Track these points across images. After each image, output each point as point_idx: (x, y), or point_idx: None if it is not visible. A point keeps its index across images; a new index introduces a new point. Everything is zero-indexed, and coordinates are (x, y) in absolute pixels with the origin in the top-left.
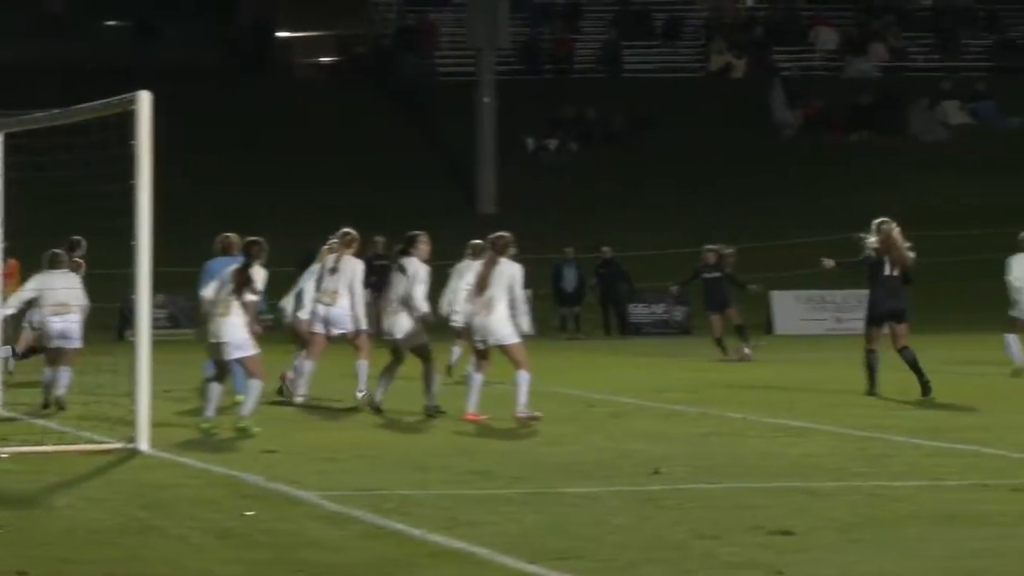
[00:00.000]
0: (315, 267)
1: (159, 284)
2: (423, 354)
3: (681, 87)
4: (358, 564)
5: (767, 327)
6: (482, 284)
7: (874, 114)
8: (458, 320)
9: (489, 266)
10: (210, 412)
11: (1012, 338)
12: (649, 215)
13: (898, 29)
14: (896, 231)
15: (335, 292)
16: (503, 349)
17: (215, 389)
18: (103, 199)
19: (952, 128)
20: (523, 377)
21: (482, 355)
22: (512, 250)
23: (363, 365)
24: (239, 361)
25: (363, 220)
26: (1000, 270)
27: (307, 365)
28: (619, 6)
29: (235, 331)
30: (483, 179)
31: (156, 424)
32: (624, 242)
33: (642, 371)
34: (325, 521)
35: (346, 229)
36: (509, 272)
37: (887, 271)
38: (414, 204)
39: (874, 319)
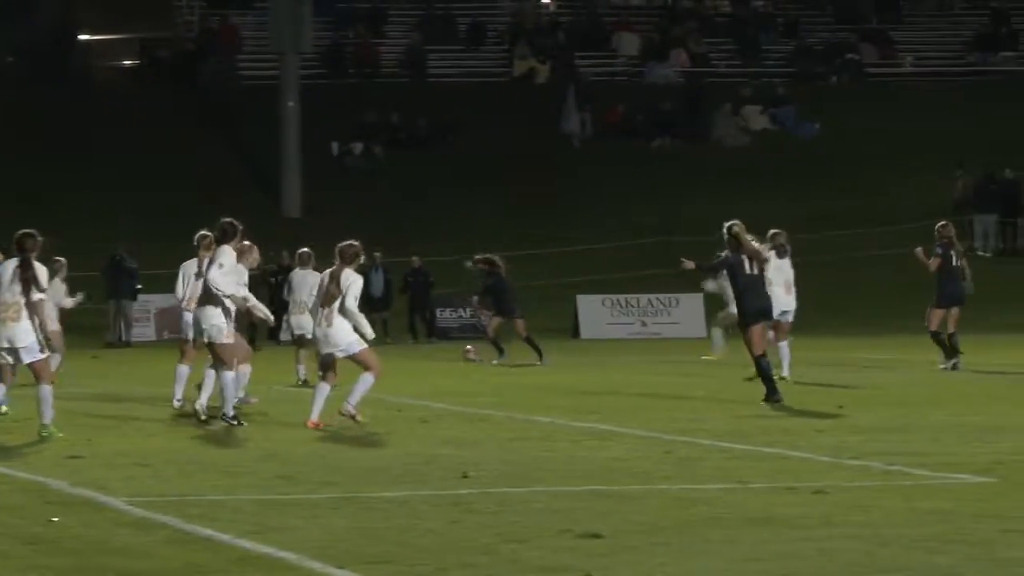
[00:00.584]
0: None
1: None
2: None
3: (485, 92)
4: (165, 570)
5: (573, 331)
6: (330, 295)
7: (676, 120)
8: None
9: (336, 276)
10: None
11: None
12: (452, 221)
13: (699, 35)
14: (741, 229)
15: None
16: (352, 357)
17: None
18: None
19: (753, 133)
20: (367, 379)
21: (329, 366)
22: (361, 259)
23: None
24: (30, 366)
25: (167, 224)
26: (804, 274)
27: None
28: (423, 10)
29: (26, 335)
30: (288, 183)
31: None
32: (431, 248)
33: (450, 376)
34: (132, 527)
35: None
36: (355, 282)
37: (748, 269)
38: (219, 208)
39: (748, 321)
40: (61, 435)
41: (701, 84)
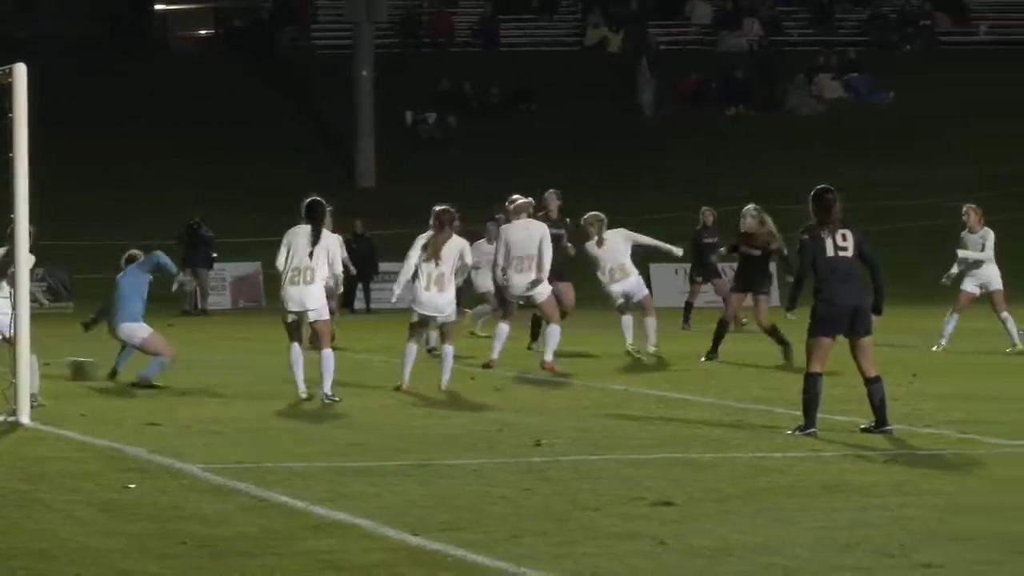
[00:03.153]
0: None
1: (40, 257)
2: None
3: (558, 61)
4: (240, 536)
5: None
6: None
7: (749, 88)
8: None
9: (439, 242)
10: None
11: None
12: (524, 189)
13: (772, 3)
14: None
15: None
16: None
17: None
18: None
19: (827, 102)
20: (447, 351)
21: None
22: (456, 223)
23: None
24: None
25: (242, 193)
26: (882, 242)
27: None
28: None
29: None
30: (362, 153)
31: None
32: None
33: (522, 342)
34: (207, 493)
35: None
36: (465, 248)
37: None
38: (293, 178)
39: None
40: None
41: (774, 52)
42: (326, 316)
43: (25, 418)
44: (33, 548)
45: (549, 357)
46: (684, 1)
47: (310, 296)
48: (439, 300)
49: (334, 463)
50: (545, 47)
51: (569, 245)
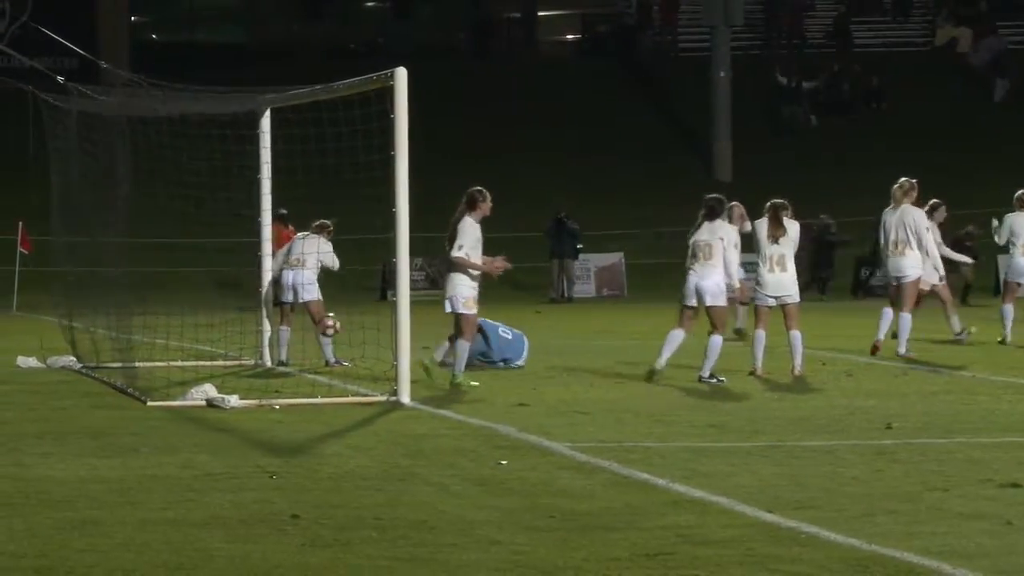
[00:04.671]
0: None
1: (416, 248)
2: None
3: (908, 60)
4: (605, 511)
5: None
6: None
7: None
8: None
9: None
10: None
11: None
12: (875, 181)
13: None
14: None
15: None
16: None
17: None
18: (363, 169)
19: None
20: (796, 337)
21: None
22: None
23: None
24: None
25: (605, 187)
26: None
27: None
28: None
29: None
30: (719, 149)
31: (416, 379)
32: (845, 210)
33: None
34: (574, 471)
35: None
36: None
37: None
38: (654, 173)
39: None
40: (475, 383)
41: None
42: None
43: (405, 398)
44: (413, 519)
45: (902, 349)
46: None
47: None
48: (784, 280)
49: (692, 443)
50: (895, 47)
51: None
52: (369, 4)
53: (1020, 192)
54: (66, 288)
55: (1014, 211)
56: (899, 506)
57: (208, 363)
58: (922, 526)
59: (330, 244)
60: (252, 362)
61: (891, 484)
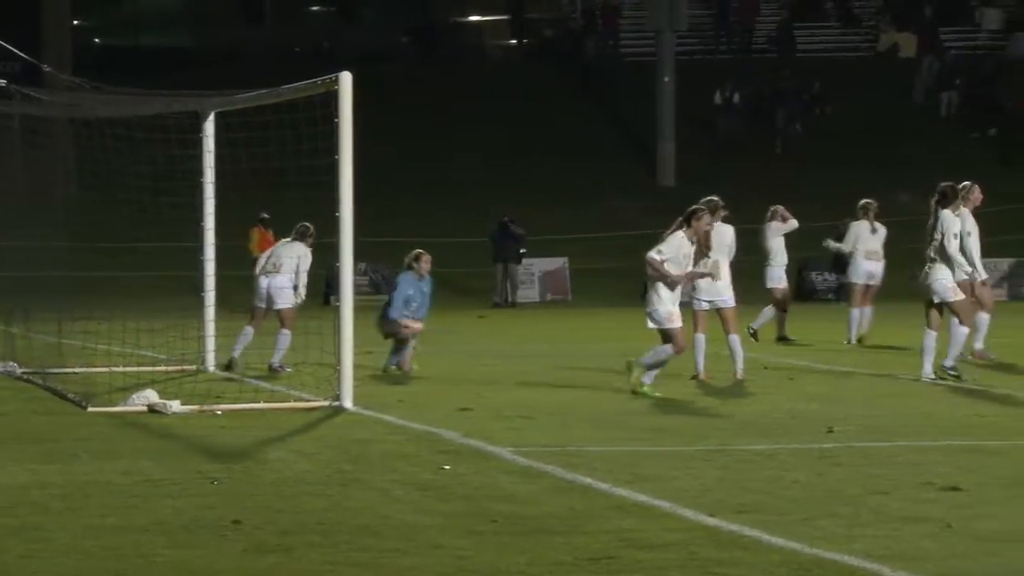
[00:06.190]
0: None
1: (361, 253)
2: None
3: (851, 66)
4: (547, 515)
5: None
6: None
7: None
8: None
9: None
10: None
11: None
12: (819, 187)
13: None
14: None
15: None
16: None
17: None
18: (308, 174)
19: None
20: (735, 341)
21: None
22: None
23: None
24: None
25: (550, 191)
26: None
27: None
28: None
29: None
30: (663, 154)
31: (359, 383)
32: (809, 211)
33: (816, 335)
34: (517, 475)
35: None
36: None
37: None
38: (599, 177)
39: None
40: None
41: None
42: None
43: (348, 403)
44: (355, 524)
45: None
46: (974, 7)
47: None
48: (719, 285)
49: (635, 447)
50: (839, 52)
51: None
52: (313, 8)
53: (863, 201)
54: (3, 292)
55: (857, 219)
56: (840, 509)
57: (150, 368)
58: (863, 529)
59: (310, 251)
60: (194, 368)
61: (832, 487)
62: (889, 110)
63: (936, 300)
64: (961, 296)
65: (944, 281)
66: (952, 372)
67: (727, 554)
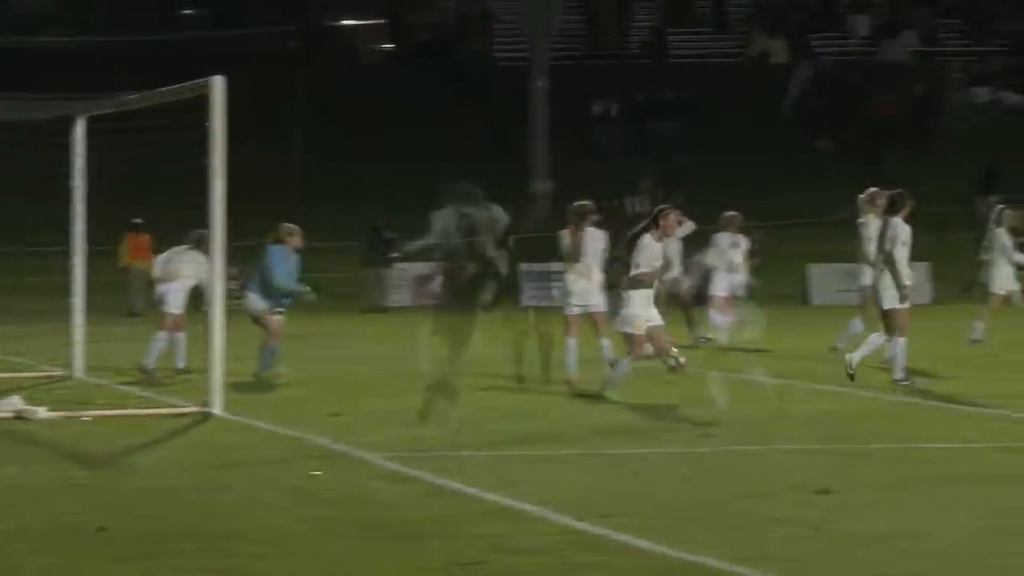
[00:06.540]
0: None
1: (233, 256)
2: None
3: (722, 72)
4: (418, 520)
5: (803, 299)
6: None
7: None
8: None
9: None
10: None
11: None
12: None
13: (931, 16)
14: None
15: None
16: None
17: None
18: (179, 178)
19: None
20: (606, 345)
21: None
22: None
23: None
24: None
25: (423, 195)
26: None
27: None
28: None
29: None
30: (536, 159)
31: (230, 388)
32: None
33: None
34: (388, 480)
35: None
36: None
37: None
38: (473, 181)
39: None
40: None
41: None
42: None
43: (217, 409)
44: (224, 530)
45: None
46: (845, 13)
47: None
48: (589, 288)
49: (508, 451)
50: (711, 59)
51: None
52: (187, 12)
53: (726, 213)
54: None
55: (720, 231)
56: (710, 513)
57: (14, 375)
58: (732, 532)
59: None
60: (62, 374)
61: (703, 491)
62: (759, 116)
63: (886, 307)
64: (903, 306)
65: (891, 290)
66: (904, 382)
67: (596, 558)
